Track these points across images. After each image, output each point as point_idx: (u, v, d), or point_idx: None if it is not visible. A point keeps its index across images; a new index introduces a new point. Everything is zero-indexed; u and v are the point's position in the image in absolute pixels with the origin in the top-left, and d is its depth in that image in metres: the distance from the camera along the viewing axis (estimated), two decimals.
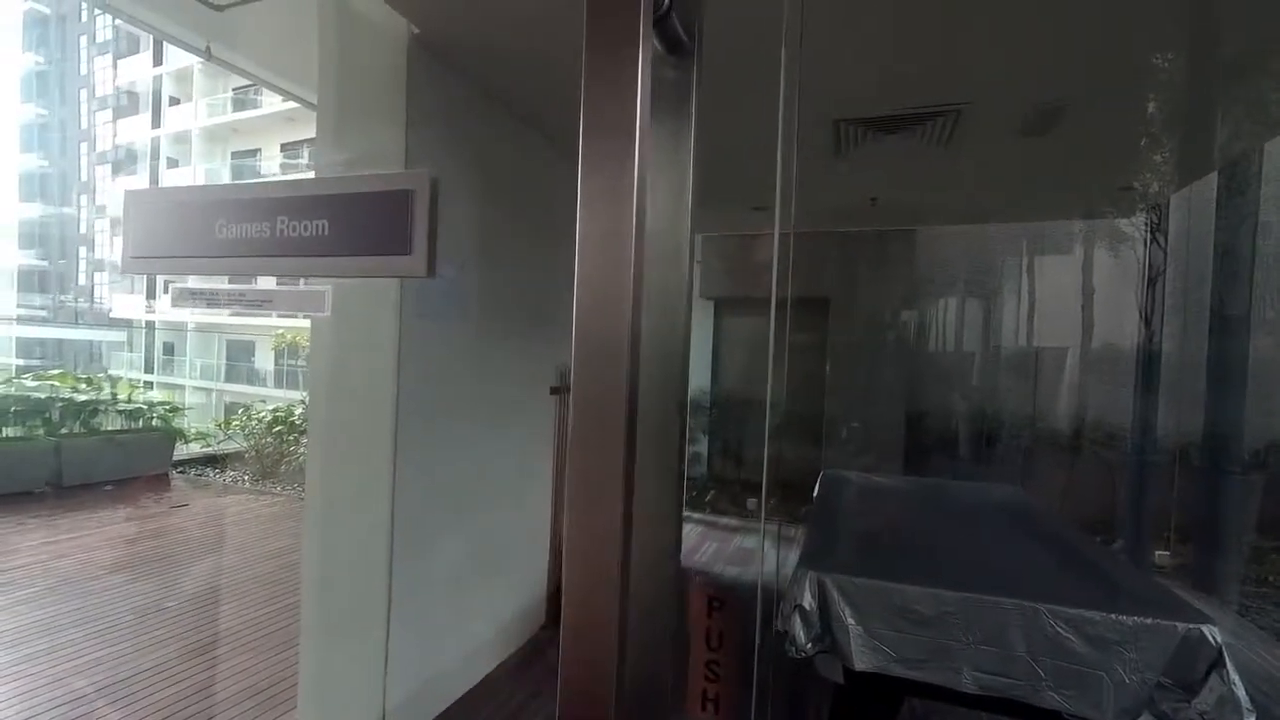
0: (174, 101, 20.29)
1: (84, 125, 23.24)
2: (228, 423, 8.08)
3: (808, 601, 2.14)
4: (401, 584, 2.33)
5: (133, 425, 6.52)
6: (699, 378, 6.88)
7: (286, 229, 0.60)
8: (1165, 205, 4.35)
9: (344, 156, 2.22)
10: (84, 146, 23.21)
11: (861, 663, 1.97)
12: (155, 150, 20.56)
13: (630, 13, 0.40)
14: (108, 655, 3.03)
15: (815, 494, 3.78)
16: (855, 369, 6.22)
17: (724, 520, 6.17)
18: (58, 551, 4.40)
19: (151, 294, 20.58)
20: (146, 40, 19.80)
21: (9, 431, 5.82)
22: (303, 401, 7.89)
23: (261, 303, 0.67)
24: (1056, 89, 2.43)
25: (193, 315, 19.75)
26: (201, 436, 7.81)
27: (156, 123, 20.36)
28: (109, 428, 6.49)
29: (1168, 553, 4.43)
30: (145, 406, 6.77)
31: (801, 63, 2.31)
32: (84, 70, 23.05)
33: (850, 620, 2.03)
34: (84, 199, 23.74)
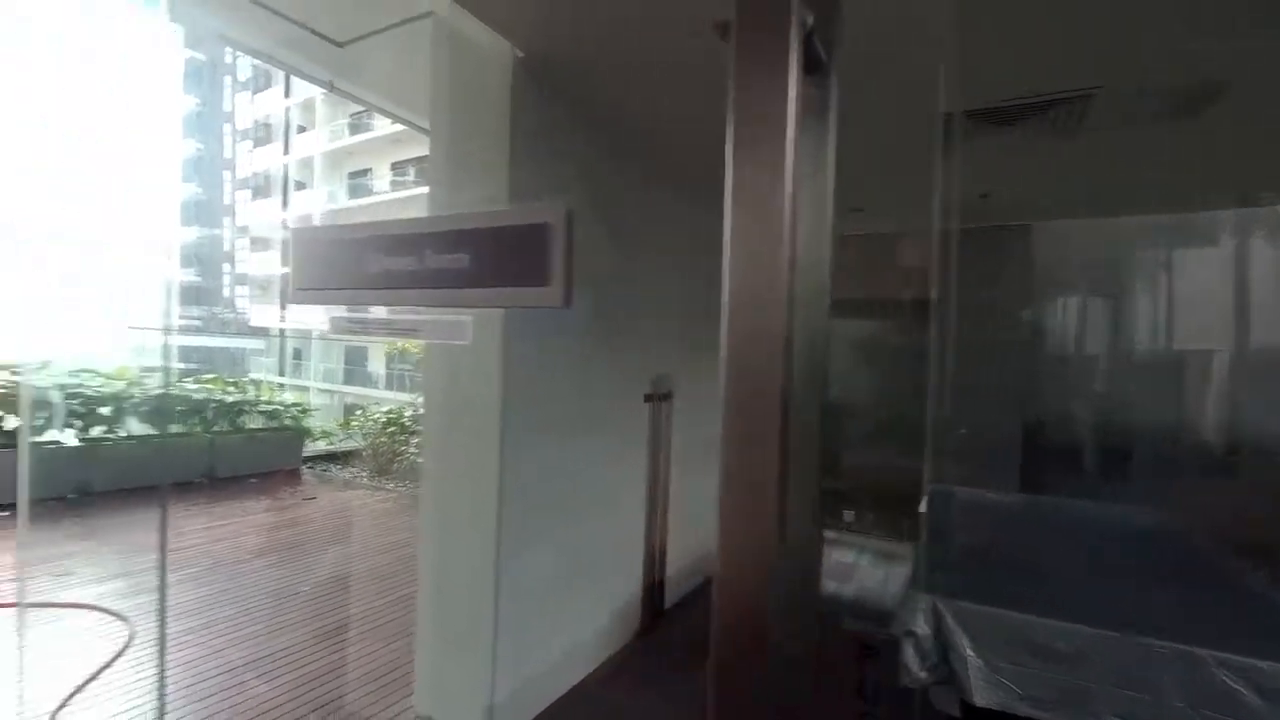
0: (300, 130, 22.45)
1: (227, 155, 26.24)
2: (347, 423, 8.80)
3: (920, 627, 2.02)
4: (507, 585, 2.43)
5: (270, 424, 7.27)
6: None
7: (432, 262, 0.64)
8: None
9: (453, 177, 2.36)
10: (227, 174, 26.22)
11: (982, 698, 1.83)
12: (285, 175, 22.83)
13: (779, 38, 0.40)
14: (252, 633, 3.38)
15: (923, 510, 3.56)
16: (963, 374, 5.81)
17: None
18: (214, 536, 4.99)
19: (283, 304, 22.84)
20: (278, 76, 22.05)
21: (174, 429, 6.69)
22: (411, 404, 8.45)
23: (408, 330, 0.72)
24: (1216, 64, 2.16)
25: (319, 323, 21.70)
26: (325, 435, 8.56)
27: (286, 150, 22.60)
28: (251, 426, 7.28)
29: None
30: (281, 407, 7.53)
31: (912, 55, 2.20)
32: (227, 107, 26.04)
33: (969, 651, 1.90)
34: (227, 221, 26.80)
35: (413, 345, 10.33)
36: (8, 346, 5.87)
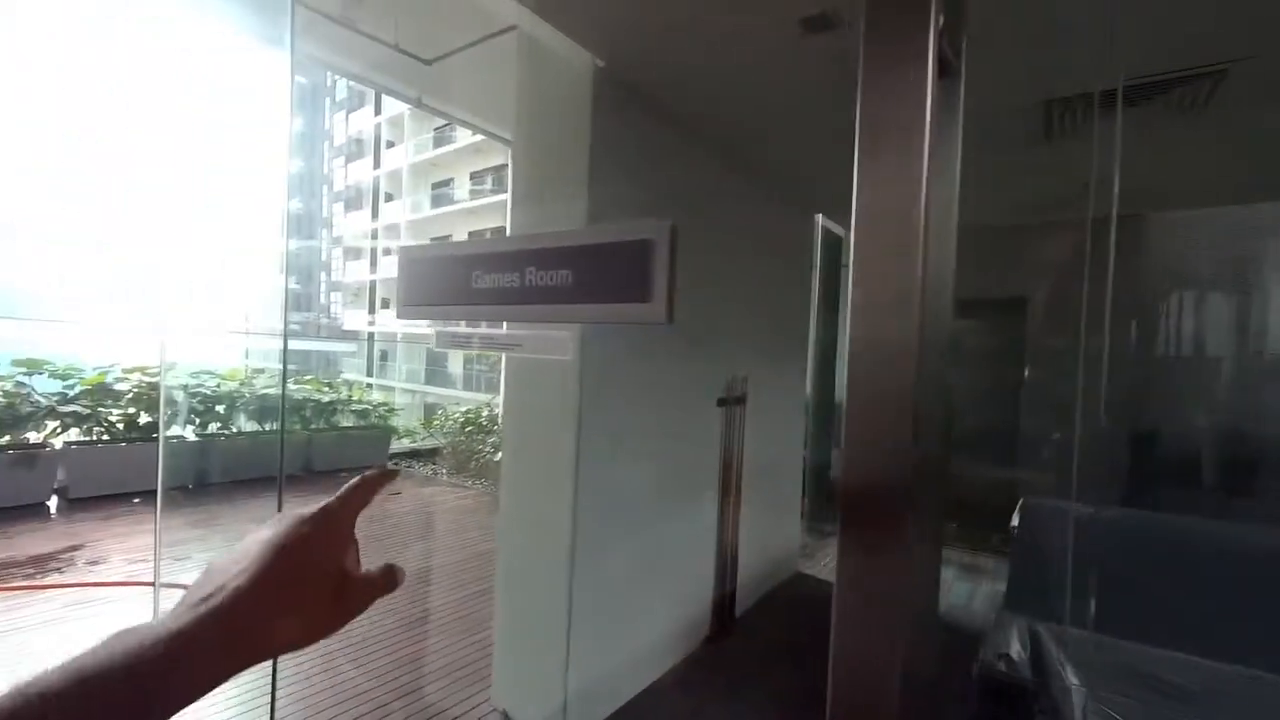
0: (389, 145, 23.86)
1: (325, 171, 28.29)
2: (428, 422, 9.24)
3: (1016, 651, 1.89)
4: (581, 585, 2.47)
5: (361, 423, 7.76)
6: None
7: (534, 279, 0.66)
8: None
9: (534, 186, 2.43)
10: (324, 188, 28.28)
11: None
12: (375, 187, 24.33)
13: (913, 43, 0.38)
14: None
15: (1015, 524, 3.33)
16: (1060, 378, 5.40)
17: None
18: None
19: (371, 310, 24.34)
20: (369, 96, 23.54)
21: (278, 426, 7.28)
22: (488, 405, 8.76)
23: (511, 345, 0.75)
24: None
25: (403, 327, 22.97)
26: (409, 433, 9.04)
27: (377, 164, 24.09)
28: (344, 424, 7.80)
29: None
30: (370, 407, 8.02)
31: (1014, 36, 2.06)
32: (326, 125, 28.09)
33: (1073, 680, 1.75)
34: (324, 232, 28.90)
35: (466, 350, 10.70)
36: (143, 350, 6.57)
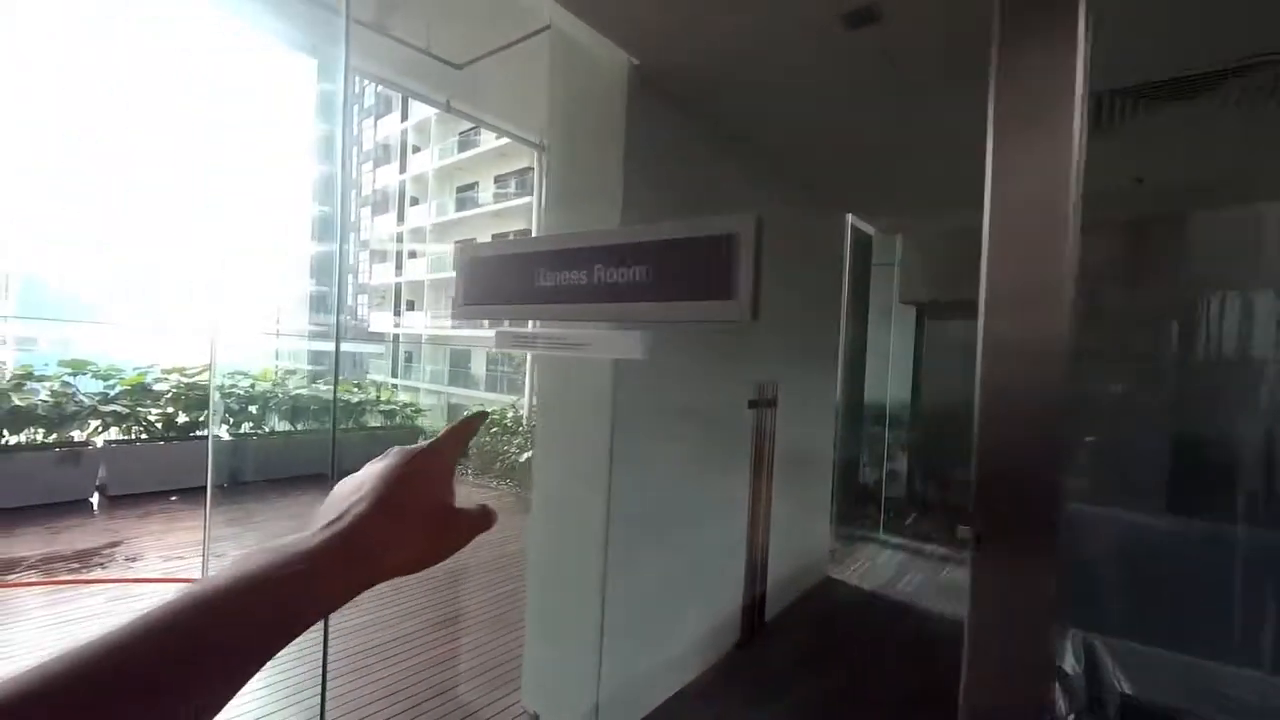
0: (415, 150, 24.20)
1: (353, 176, 28.81)
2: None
3: (1069, 664, 1.82)
4: (613, 588, 2.45)
5: (389, 423, 7.86)
6: (898, 389, 6.32)
7: (605, 275, 0.64)
8: None
9: (568, 186, 2.42)
10: (352, 193, 28.80)
11: None
12: (402, 191, 24.69)
13: (1060, 19, 0.35)
14: (373, 620, 3.63)
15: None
16: (1096, 380, 5.23)
17: (929, 548, 5.58)
18: None
19: (397, 311, 24.70)
20: (396, 101, 23.92)
21: (309, 425, 7.41)
22: (512, 406, 8.80)
23: (578, 345, 0.73)
24: None
25: (426, 329, 23.27)
26: (435, 433, 9.12)
27: (403, 169, 24.45)
28: (373, 425, 7.91)
29: None
30: (398, 407, 8.12)
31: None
32: (354, 131, 28.61)
33: (1130, 694, 1.68)
34: (351, 236, 29.43)
35: (517, 351, 10.77)
36: (181, 351, 6.74)
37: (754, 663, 3.36)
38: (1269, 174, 3.52)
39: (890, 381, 6.27)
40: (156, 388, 6.39)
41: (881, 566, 5.01)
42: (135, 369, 6.43)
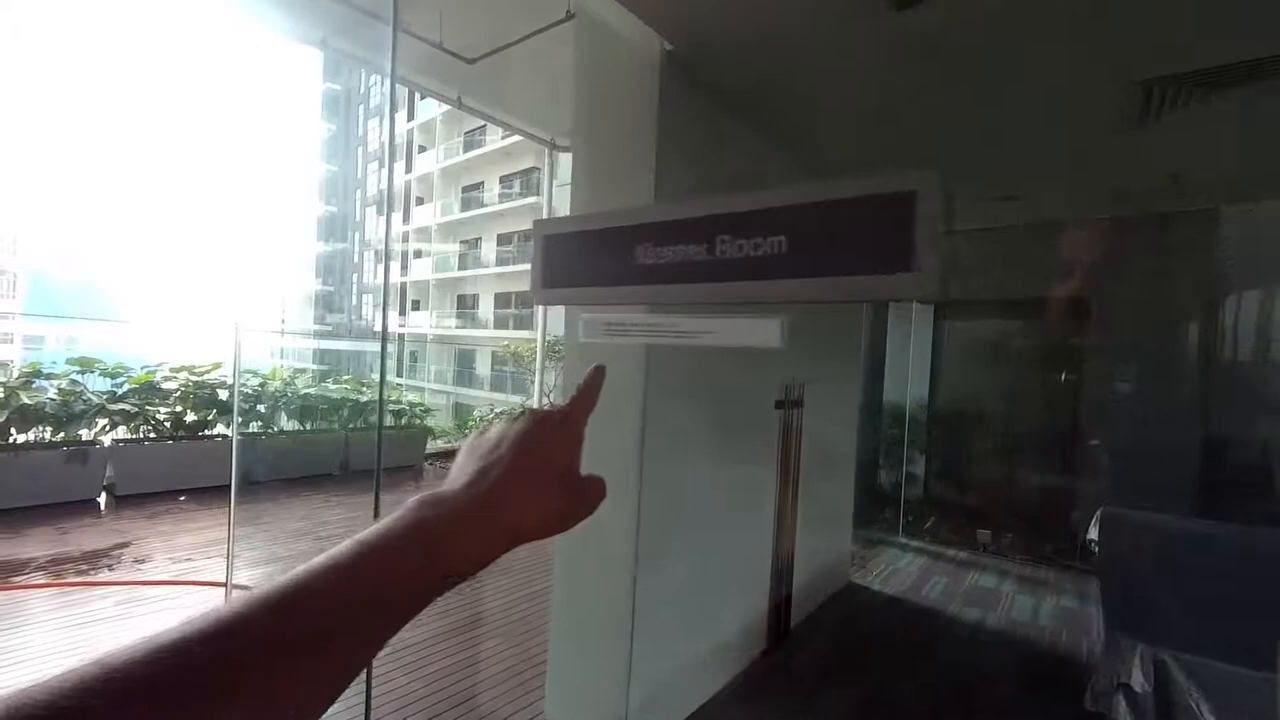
0: (421, 149, 24.14)
1: (359, 175, 28.76)
2: (463, 423, 9.23)
3: (1139, 682, 1.71)
4: (645, 593, 2.35)
5: (398, 423, 7.76)
6: (917, 389, 6.21)
7: (729, 249, 0.53)
8: None
9: (595, 177, 2.32)
10: (358, 193, 28.74)
11: None
12: (407, 191, 24.63)
13: None
14: None
15: (1094, 537, 3.12)
16: (1122, 381, 5.12)
17: (950, 552, 5.46)
18: (352, 526, 5.35)
19: (402, 311, 24.65)
20: (403, 101, 23.86)
21: (317, 425, 7.32)
22: (522, 406, 8.70)
23: (698, 334, 0.63)
24: None
25: (431, 329, 23.22)
26: (444, 433, 9.04)
27: (409, 168, 24.39)
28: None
29: None
30: (406, 407, 8.02)
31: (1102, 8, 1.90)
32: (360, 132, 28.57)
33: (1210, 718, 1.57)
34: (356, 235, 29.39)
35: (525, 349, 10.68)
36: (190, 350, 6.66)
37: (781, 671, 3.26)
38: None
39: (910, 382, 6.16)
40: (165, 386, 6.31)
41: (904, 571, 4.90)
42: (144, 367, 6.35)
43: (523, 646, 3.31)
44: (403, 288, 24.55)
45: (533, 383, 9.01)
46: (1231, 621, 2.00)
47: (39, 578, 3.93)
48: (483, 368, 20.64)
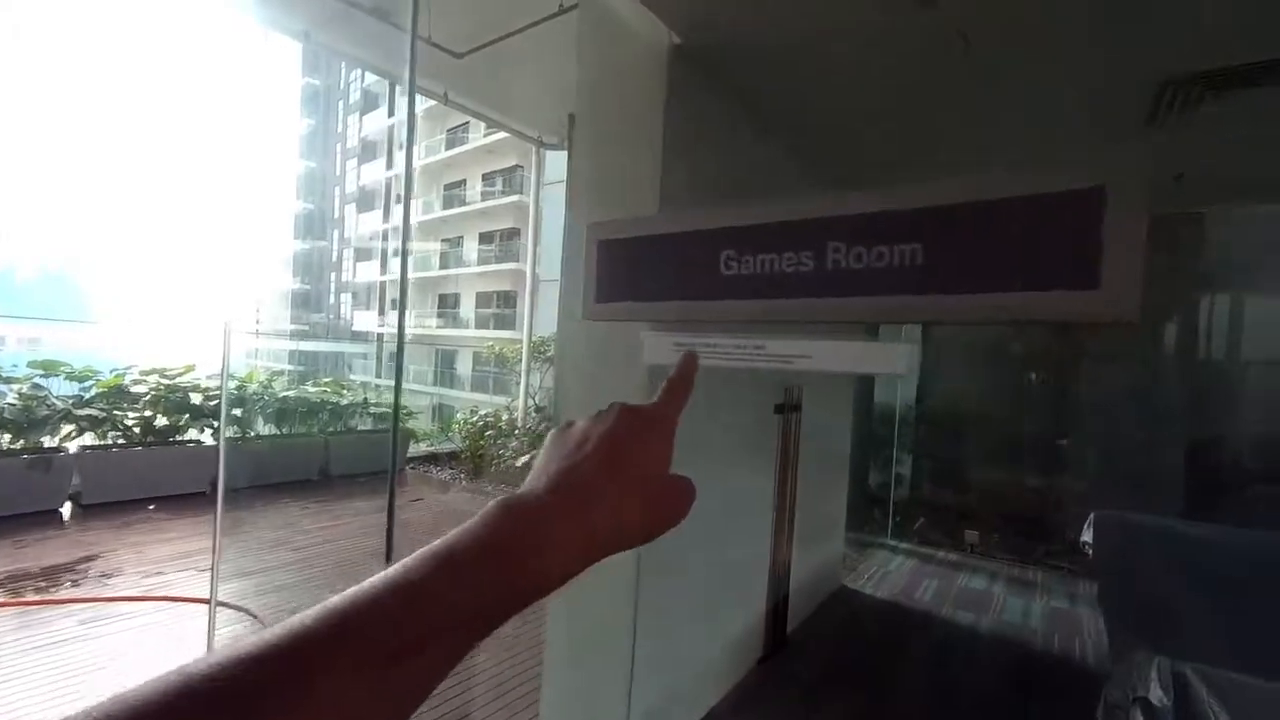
0: (402, 146, 23.74)
1: (337, 172, 28.21)
2: (448, 425, 9.05)
3: (1157, 696, 1.67)
4: (647, 603, 2.27)
5: (380, 427, 7.57)
6: (905, 390, 6.22)
7: (844, 259, 0.44)
8: None
9: (600, 175, 2.22)
10: (336, 190, 28.18)
11: None
12: (388, 189, 24.22)
13: None
14: None
15: (1089, 541, 3.10)
16: (1108, 383, 5.18)
17: (939, 554, 5.47)
18: (331, 535, 5.19)
19: (381, 311, 24.23)
20: (383, 97, 23.45)
21: (296, 429, 7.10)
22: (506, 408, 8.56)
23: (797, 358, 0.53)
24: None
25: (411, 329, 22.85)
26: (427, 436, 8.84)
27: (389, 165, 23.98)
28: (362, 428, 7.61)
29: None
30: (389, 410, 7.82)
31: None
32: (339, 128, 28.02)
33: None
34: (335, 233, 28.81)
35: (510, 350, 10.52)
36: (161, 352, 6.41)
37: (780, 679, 3.20)
38: None
39: (899, 383, 6.16)
40: (134, 389, 6.06)
41: (894, 574, 4.89)
42: (113, 370, 6.09)
43: (519, 659, 3.20)
44: (382, 287, 24.14)
45: (517, 384, 8.86)
46: (1244, 628, 1.98)
47: None
48: (463, 368, 20.38)
